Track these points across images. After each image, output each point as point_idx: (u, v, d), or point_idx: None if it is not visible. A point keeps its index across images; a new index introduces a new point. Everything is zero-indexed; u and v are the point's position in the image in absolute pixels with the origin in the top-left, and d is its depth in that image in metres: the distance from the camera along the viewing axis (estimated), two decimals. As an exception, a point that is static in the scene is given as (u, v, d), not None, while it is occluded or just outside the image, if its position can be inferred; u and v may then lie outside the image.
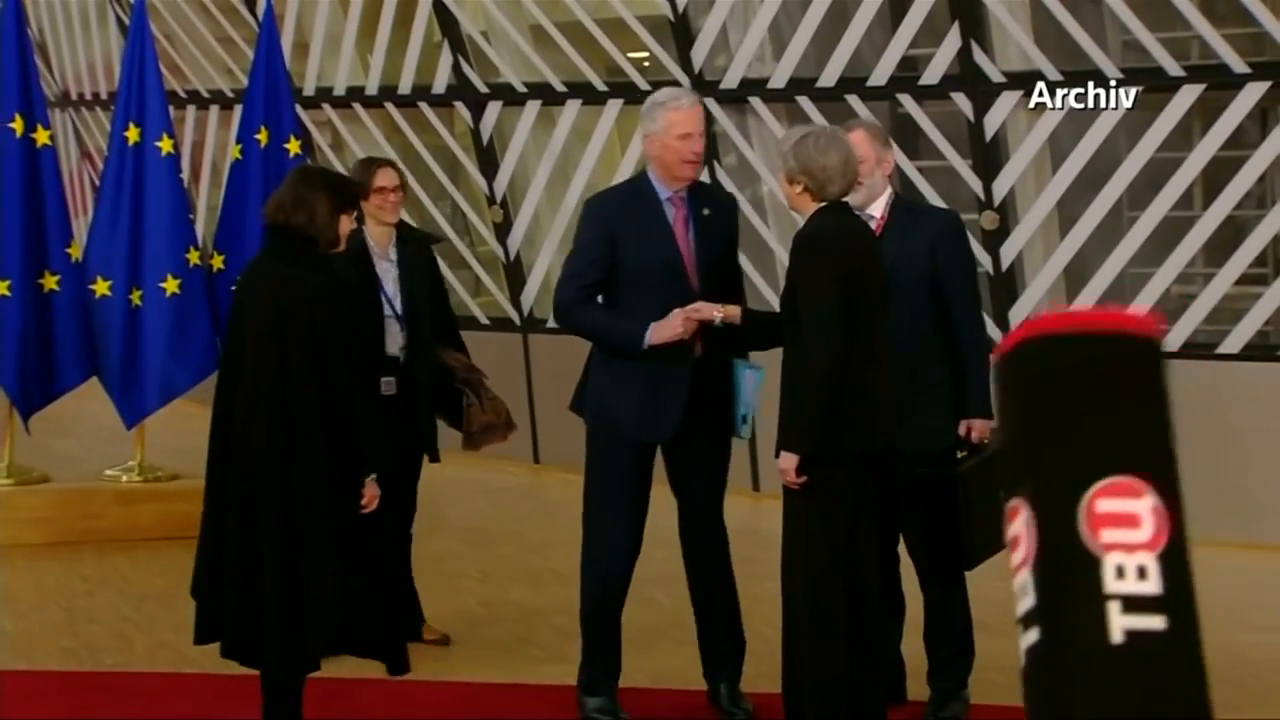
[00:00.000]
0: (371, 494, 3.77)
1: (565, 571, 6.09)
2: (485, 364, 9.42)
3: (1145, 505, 1.13)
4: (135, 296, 6.55)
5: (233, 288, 4.68)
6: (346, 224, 3.88)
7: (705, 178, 5.51)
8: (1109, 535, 1.12)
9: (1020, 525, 1.16)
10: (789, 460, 3.82)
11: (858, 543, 3.91)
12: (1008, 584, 1.20)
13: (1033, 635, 1.15)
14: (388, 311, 4.73)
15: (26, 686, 4.65)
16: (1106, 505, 1.13)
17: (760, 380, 4.14)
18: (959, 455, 4.11)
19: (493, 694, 4.61)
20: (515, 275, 8.37)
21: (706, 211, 4.20)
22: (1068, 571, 1.13)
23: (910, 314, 4.06)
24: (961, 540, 4.00)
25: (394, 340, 4.73)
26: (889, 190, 4.21)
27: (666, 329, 4.02)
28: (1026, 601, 1.15)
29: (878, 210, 4.17)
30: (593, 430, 4.28)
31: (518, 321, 8.38)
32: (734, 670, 4.34)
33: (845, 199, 3.93)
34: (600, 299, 4.20)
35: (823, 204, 3.88)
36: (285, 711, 3.81)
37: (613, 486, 4.21)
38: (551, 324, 8.26)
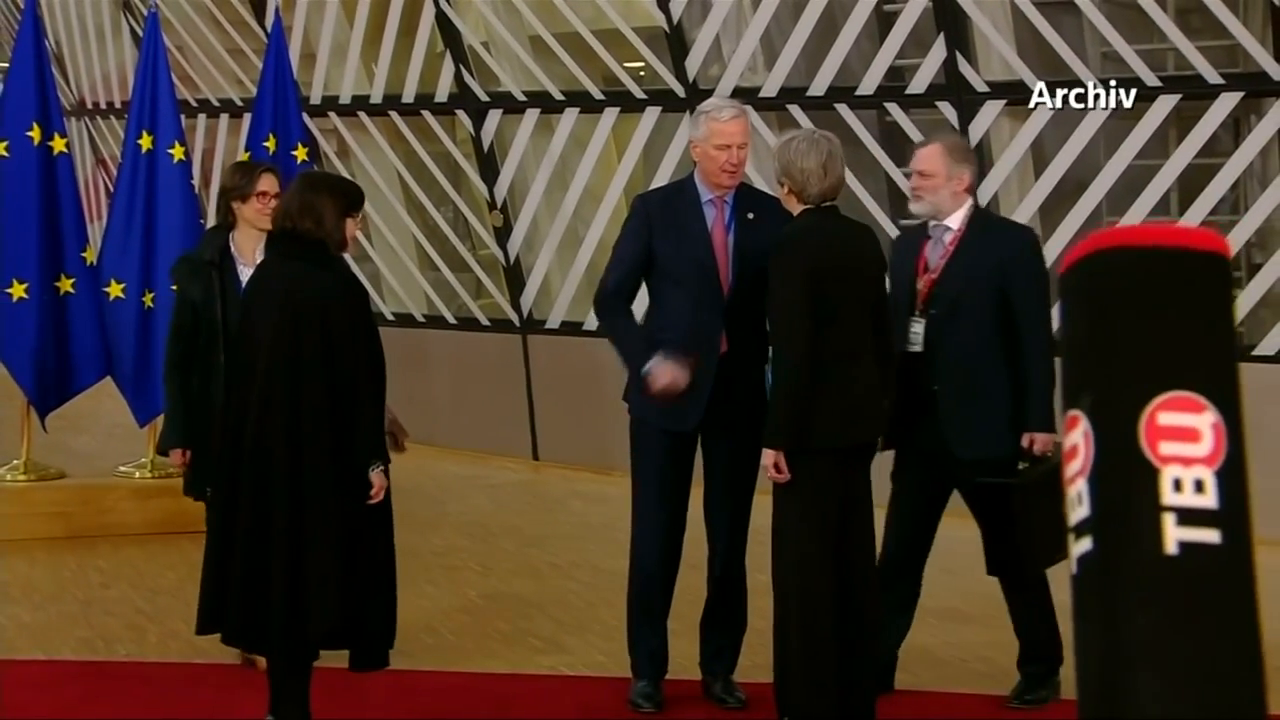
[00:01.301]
0: (380, 484, 3.80)
1: (564, 565, 6.12)
2: (486, 364, 9.44)
3: (1205, 421, 1.09)
4: (148, 299, 6.55)
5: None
6: (352, 227, 3.89)
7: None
8: (1168, 448, 1.08)
9: (1078, 436, 1.13)
10: (768, 456, 3.86)
11: (849, 535, 3.93)
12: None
13: (1085, 544, 1.12)
14: None
15: (43, 675, 4.67)
16: (1167, 419, 1.09)
17: None
18: (1020, 467, 4.11)
19: (494, 684, 4.62)
20: (515, 278, 8.38)
21: (751, 216, 4.22)
22: (1125, 482, 1.09)
23: (976, 325, 4.11)
24: (1018, 549, 4.01)
25: None
26: (968, 204, 4.21)
27: (663, 377, 4.03)
28: (1081, 511, 1.13)
29: (955, 223, 4.18)
30: (632, 420, 4.33)
31: (517, 323, 8.39)
32: (730, 661, 4.37)
33: (831, 202, 3.95)
34: (644, 286, 4.31)
35: (807, 206, 3.90)
36: (292, 699, 3.82)
37: (648, 475, 4.28)
38: (550, 325, 8.29)
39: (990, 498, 4.08)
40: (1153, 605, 1.08)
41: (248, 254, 4.57)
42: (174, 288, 4.71)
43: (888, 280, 4.17)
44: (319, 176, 4.26)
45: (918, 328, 4.17)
